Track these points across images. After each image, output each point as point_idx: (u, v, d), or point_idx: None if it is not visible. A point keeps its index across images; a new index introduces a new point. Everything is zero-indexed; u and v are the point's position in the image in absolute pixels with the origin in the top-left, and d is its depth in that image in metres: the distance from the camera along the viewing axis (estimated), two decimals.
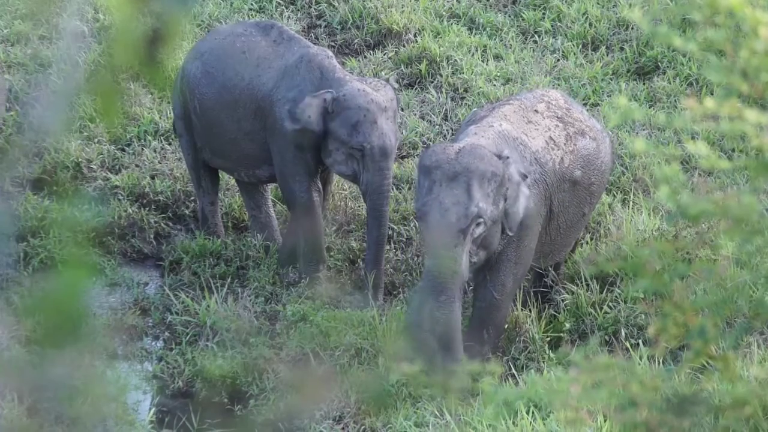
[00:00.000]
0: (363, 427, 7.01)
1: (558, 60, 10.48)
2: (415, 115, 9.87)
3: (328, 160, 8.02)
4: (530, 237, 7.14)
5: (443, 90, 10.13)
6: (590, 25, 10.78)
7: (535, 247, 7.22)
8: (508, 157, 6.85)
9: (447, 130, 9.70)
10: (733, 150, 9.19)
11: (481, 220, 6.73)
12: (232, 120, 8.28)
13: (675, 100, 9.93)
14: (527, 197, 6.96)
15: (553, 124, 7.33)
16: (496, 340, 7.27)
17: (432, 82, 10.27)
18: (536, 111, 7.38)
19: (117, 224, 8.75)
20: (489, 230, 6.83)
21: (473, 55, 10.47)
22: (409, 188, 8.94)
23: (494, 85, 10.08)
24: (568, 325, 7.66)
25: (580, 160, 7.34)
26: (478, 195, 6.71)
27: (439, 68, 10.33)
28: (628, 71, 10.39)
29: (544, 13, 10.99)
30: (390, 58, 10.53)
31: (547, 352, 7.45)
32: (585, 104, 9.95)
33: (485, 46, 10.61)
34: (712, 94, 9.35)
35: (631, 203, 8.59)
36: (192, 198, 9.01)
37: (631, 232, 8.14)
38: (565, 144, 7.30)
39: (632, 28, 10.66)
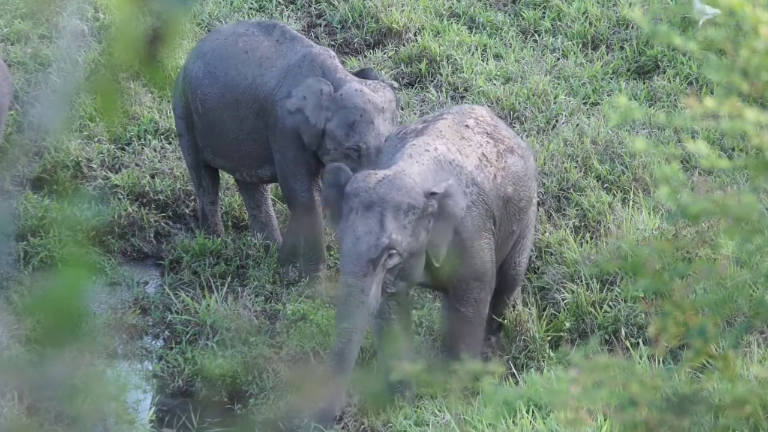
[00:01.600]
0: (363, 426, 7.02)
1: (558, 59, 10.48)
2: (415, 114, 9.87)
3: (326, 160, 8.02)
4: (477, 254, 6.98)
5: (443, 89, 10.13)
6: (590, 24, 10.78)
7: (492, 258, 7.09)
8: (435, 193, 6.70)
9: None
10: (733, 149, 9.18)
11: (394, 251, 6.60)
12: (235, 120, 8.28)
13: (675, 99, 9.93)
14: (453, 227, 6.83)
15: (484, 141, 7.20)
16: (475, 351, 7.16)
17: (432, 81, 10.28)
18: (467, 126, 7.24)
19: (117, 223, 8.75)
20: (407, 262, 6.69)
21: (473, 54, 10.47)
22: None
23: (494, 84, 10.08)
24: (568, 325, 7.66)
25: (511, 177, 7.21)
26: (391, 226, 6.57)
27: (439, 67, 10.33)
28: (628, 70, 10.39)
29: (544, 12, 10.99)
30: (390, 57, 10.53)
31: (548, 351, 7.46)
32: (585, 103, 9.95)
33: (485, 45, 10.61)
34: (712, 93, 9.37)
35: (631, 202, 8.59)
36: (192, 197, 9.01)
37: (631, 232, 8.14)
38: (496, 161, 7.17)
39: (632, 27, 10.66)
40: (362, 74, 8.30)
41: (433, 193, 6.68)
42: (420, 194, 6.67)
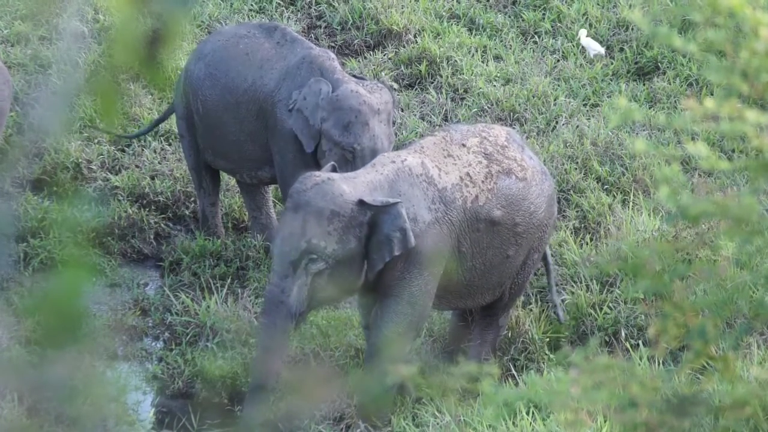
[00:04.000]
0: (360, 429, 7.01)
1: (558, 60, 10.49)
2: (415, 115, 9.87)
3: (323, 161, 8.03)
4: (424, 277, 6.84)
5: (443, 90, 10.13)
6: (590, 25, 10.78)
7: (433, 290, 6.90)
8: (365, 203, 6.62)
9: None
10: (733, 150, 9.19)
11: (315, 256, 6.56)
12: (235, 121, 8.29)
13: (675, 101, 9.94)
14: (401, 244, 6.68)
15: (476, 161, 7.04)
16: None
17: (432, 83, 10.28)
18: (463, 145, 7.08)
19: (117, 225, 8.75)
20: (336, 268, 6.62)
21: (473, 55, 10.48)
22: None
23: (494, 85, 10.09)
24: (566, 330, 7.66)
25: (500, 200, 7.01)
26: (311, 231, 6.54)
27: (439, 69, 10.33)
28: (628, 72, 10.39)
29: (544, 14, 10.99)
30: (390, 58, 10.53)
31: (547, 352, 7.45)
32: (585, 105, 9.95)
33: (485, 46, 10.62)
34: (712, 94, 9.37)
35: (631, 204, 8.59)
36: (192, 198, 9.01)
37: (631, 233, 8.14)
38: (482, 182, 6.99)
39: (632, 29, 10.66)
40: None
41: (363, 203, 6.63)
42: (348, 202, 6.61)
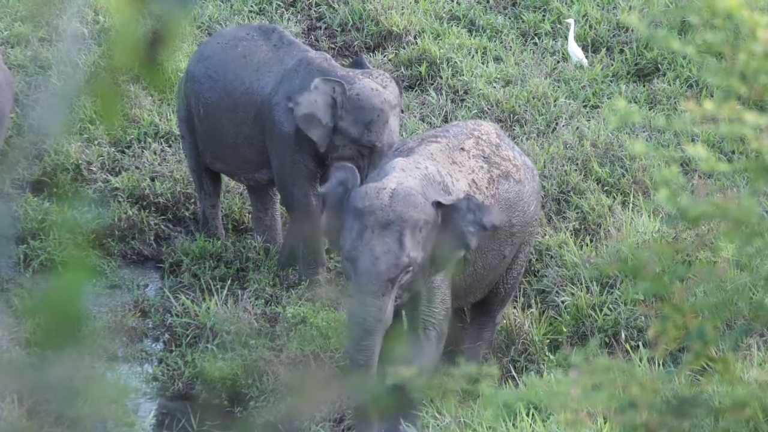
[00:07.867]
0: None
1: (558, 62, 10.49)
2: (415, 117, 9.87)
3: (334, 155, 8.02)
4: (442, 284, 6.92)
5: (443, 92, 10.13)
6: (590, 27, 10.79)
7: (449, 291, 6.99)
8: (441, 204, 6.65)
9: None
10: (733, 152, 9.19)
11: (411, 268, 6.57)
12: (233, 124, 8.29)
13: (675, 102, 9.94)
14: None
15: (477, 166, 7.09)
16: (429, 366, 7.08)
17: (432, 84, 10.28)
18: (463, 149, 7.13)
19: (117, 226, 8.75)
20: (416, 274, 6.67)
21: (473, 57, 10.48)
22: None
23: (494, 87, 10.09)
24: (566, 330, 7.66)
25: (501, 204, 7.09)
26: (409, 244, 6.53)
27: (439, 70, 10.34)
28: (627, 73, 10.39)
29: (544, 15, 11.00)
30: (390, 60, 10.54)
31: (547, 354, 7.46)
32: (585, 106, 9.95)
33: (485, 48, 10.62)
34: (711, 96, 9.36)
35: (631, 205, 8.59)
36: (192, 200, 9.01)
37: (630, 234, 8.14)
38: (487, 188, 7.06)
39: (632, 31, 10.67)
40: (356, 64, 8.33)
41: (439, 204, 6.65)
42: (431, 208, 6.63)
